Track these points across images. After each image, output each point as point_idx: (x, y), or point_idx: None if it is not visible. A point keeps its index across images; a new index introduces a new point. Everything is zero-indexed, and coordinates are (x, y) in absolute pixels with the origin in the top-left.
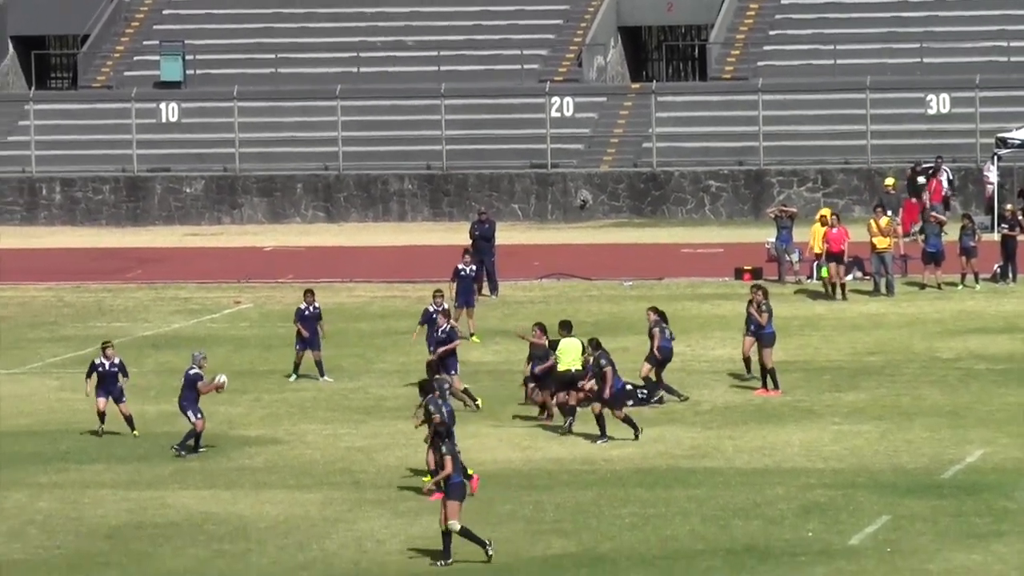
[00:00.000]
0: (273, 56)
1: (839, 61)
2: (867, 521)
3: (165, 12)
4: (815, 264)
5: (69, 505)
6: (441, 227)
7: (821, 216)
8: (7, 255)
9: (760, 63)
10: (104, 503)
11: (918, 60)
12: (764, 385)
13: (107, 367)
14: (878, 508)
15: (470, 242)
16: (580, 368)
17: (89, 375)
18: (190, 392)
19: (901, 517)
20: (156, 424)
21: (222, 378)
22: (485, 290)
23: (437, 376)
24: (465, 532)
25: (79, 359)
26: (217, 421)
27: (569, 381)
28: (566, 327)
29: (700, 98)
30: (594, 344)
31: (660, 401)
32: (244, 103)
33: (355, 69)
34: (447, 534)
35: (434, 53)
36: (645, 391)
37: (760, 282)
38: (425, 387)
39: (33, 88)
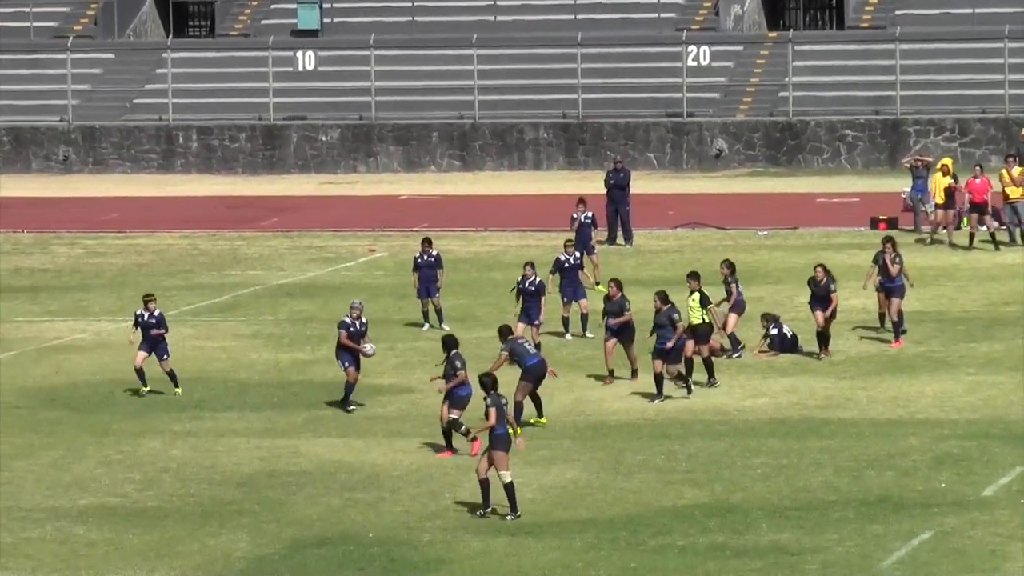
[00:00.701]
0: (410, 4)
1: (977, 10)
2: (1001, 472)
3: None
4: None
5: (203, 453)
6: (576, 176)
7: (943, 166)
8: (143, 203)
9: (898, 12)
10: (237, 451)
11: None
12: (897, 337)
13: (146, 318)
14: (1012, 459)
15: (605, 191)
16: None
17: (135, 327)
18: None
19: None
20: (290, 372)
21: (370, 348)
22: (620, 238)
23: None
24: (511, 488)
25: (214, 307)
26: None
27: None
28: (695, 276)
29: (837, 47)
30: (662, 297)
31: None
32: (380, 51)
33: (492, 17)
34: (509, 486)
35: (571, 1)
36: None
37: (890, 233)
38: (448, 343)
39: (171, 37)
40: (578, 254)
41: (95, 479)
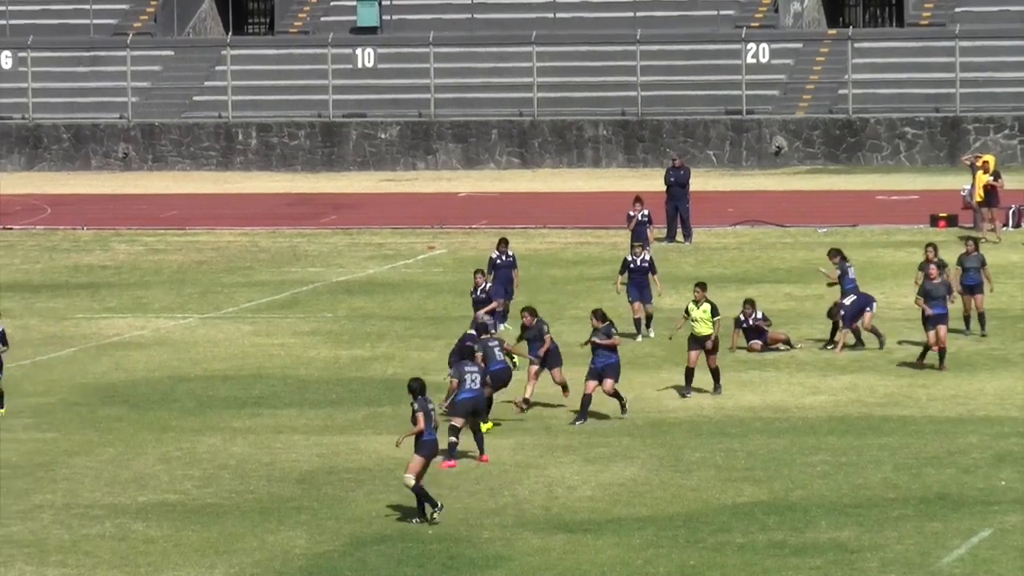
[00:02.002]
0: (469, 1)
1: None
2: None
3: None
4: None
5: (262, 450)
6: (635, 173)
7: (984, 163)
8: (203, 200)
9: (957, 9)
10: (296, 448)
11: None
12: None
13: None
14: None
15: (664, 188)
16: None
17: None
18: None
19: None
20: (349, 369)
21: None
22: (679, 236)
23: (483, 336)
24: (419, 489)
25: (274, 304)
26: (410, 367)
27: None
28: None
29: (897, 44)
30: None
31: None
32: (440, 48)
33: (551, 15)
34: (416, 489)
35: None
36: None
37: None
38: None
39: (230, 34)
40: (647, 256)
41: (154, 476)
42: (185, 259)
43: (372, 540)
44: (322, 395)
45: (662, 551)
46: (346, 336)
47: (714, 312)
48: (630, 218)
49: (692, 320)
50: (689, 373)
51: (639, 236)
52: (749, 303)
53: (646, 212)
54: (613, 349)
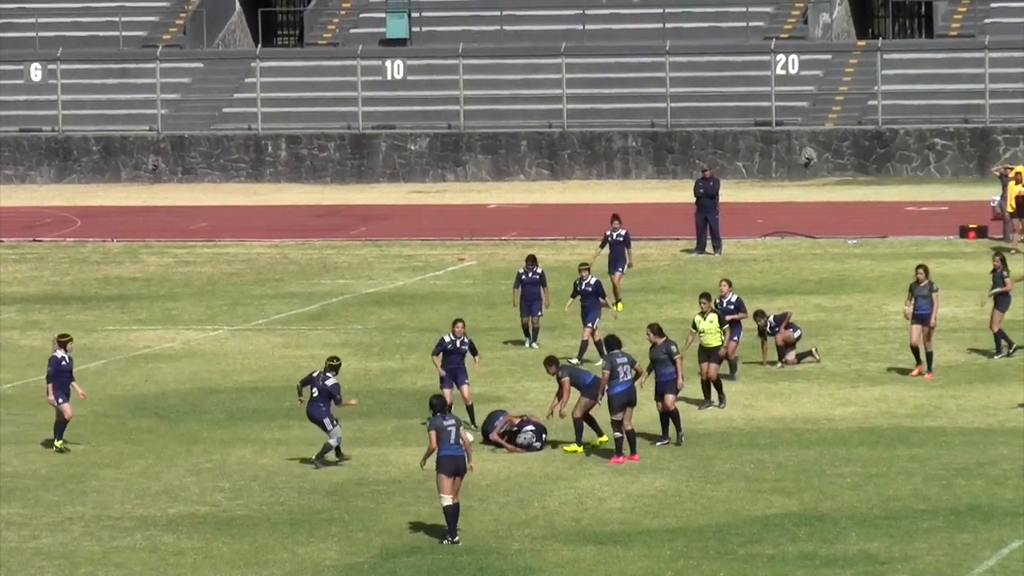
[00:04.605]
0: (498, 13)
1: None
2: None
3: None
4: None
5: (292, 462)
6: (665, 184)
7: (1016, 173)
8: (233, 212)
9: (987, 20)
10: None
11: None
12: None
13: (67, 362)
14: None
15: (694, 200)
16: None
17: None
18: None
19: None
20: (379, 381)
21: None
22: (709, 247)
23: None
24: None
25: (304, 316)
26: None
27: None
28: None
29: (926, 55)
30: (656, 331)
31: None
32: (469, 60)
33: (580, 26)
34: (448, 509)
35: (659, 10)
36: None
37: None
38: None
39: (259, 46)
40: (592, 280)
41: (184, 488)
42: (215, 271)
43: (402, 552)
44: (351, 407)
45: (692, 562)
46: (376, 348)
47: (721, 322)
48: (606, 238)
49: (700, 332)
50: (705, 385)
51: (616, 256)
52: (759, 313)
53: (623, 232)
54: (673, 363)
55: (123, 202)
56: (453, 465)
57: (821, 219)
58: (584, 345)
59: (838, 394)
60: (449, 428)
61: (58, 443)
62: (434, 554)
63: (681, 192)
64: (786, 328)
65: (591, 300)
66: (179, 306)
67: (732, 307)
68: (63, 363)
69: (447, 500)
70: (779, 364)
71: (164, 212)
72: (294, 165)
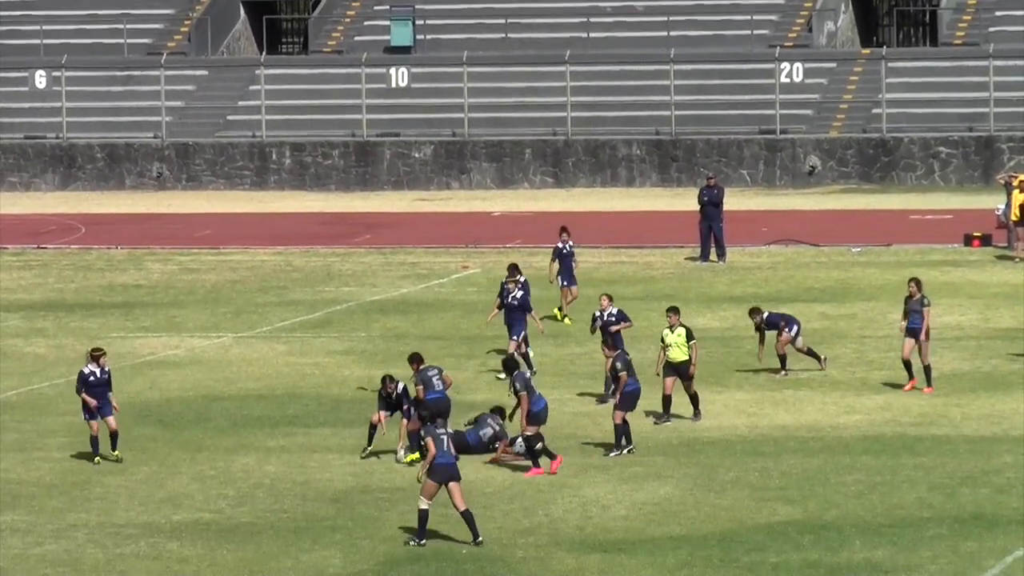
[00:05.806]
0: (503, 21)
1: None
2: None
3: None
4: None
5: (296, 469)
6: (669, 193)
7: (1020, 182)
8: (237, 219)
9: (991, 28)
10: (331, 467)
11: None
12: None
13: (99, 375)
14: None
15: (698, 208)
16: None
17: (80, 389)
18: None
19: None
20: None
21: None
22: (713, 256)
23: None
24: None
25: (308, 323)
26: None
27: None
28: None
29: (930, 63)
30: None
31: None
32: (473, 68)
33: (584, 34)
34: (466, 514)
35: (663, 18)
36: None
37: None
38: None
39: (264, 53)
40: (519, 293)
41: (188, 495)
42: (219, 278)
43: (406, 559)
44: (356, 414)
45: (696, 571)
46: (380, 355)
47: (689, 336)
48: (556, 251)
49: (667, 346)
50: (665, 400)
51: (566, 268)
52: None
53: (571, 244)
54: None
55: (127, 209)
56: (445, 473)
57: (825, 227)
58: (527, 357)
59: (842, 402)
60: (441, 436)
61: (115, 453)
62: (438, 562)
63: (685, 200)
64: (780, 333)
65: (516, 313)
66: (183, 313)
67: (613, 319)
68: (91, 379)
69: (424, 504)
70: (783, 372)
71: (168, 219)
72: (298, 173)
